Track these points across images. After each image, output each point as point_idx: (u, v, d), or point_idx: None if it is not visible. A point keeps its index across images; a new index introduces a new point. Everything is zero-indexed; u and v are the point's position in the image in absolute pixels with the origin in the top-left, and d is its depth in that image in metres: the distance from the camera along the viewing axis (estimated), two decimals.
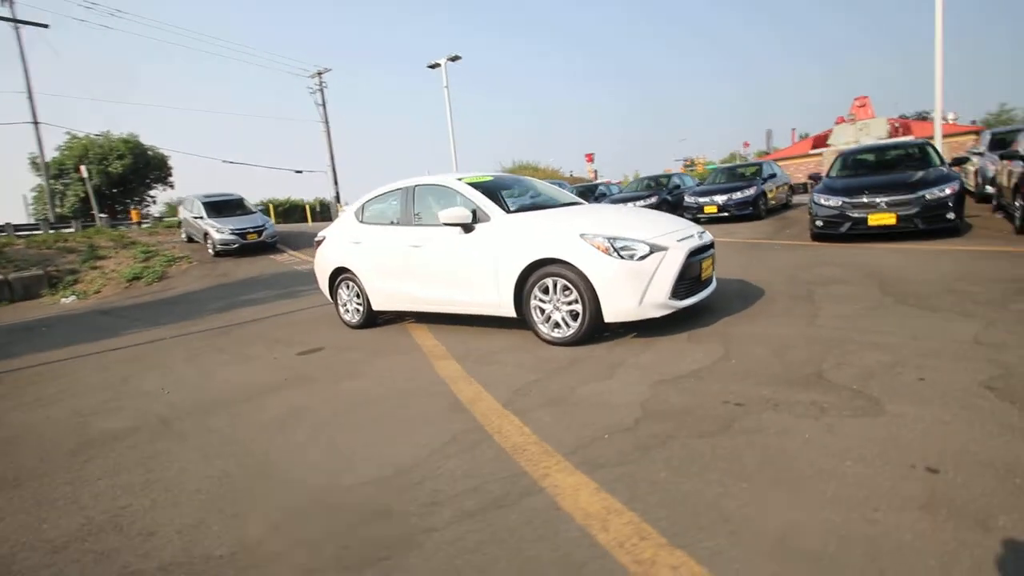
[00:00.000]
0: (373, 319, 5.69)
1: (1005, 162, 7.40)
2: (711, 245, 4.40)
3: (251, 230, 14.53)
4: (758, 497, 1.87)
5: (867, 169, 8.81)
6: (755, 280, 5.61)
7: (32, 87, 19.98)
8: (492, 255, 4.36)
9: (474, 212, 4.50)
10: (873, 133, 24.33)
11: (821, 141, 29.08)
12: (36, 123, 20.62)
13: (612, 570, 1.59)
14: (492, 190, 4.84)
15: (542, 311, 4.16)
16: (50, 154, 25.04)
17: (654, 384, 3.07)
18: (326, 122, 32.71)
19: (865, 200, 7.28)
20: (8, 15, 19.30)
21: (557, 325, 4.09)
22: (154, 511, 2.31)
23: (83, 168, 19.49)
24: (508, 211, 4.50)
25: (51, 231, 18.17)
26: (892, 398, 2.52)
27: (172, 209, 35.03)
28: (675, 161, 47.40)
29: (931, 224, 6.87)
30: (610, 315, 3.86)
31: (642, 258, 3.81)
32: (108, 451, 3.11)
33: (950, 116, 26.04)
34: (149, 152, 25.54)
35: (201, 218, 14.60)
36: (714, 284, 4.52)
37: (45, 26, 20.02)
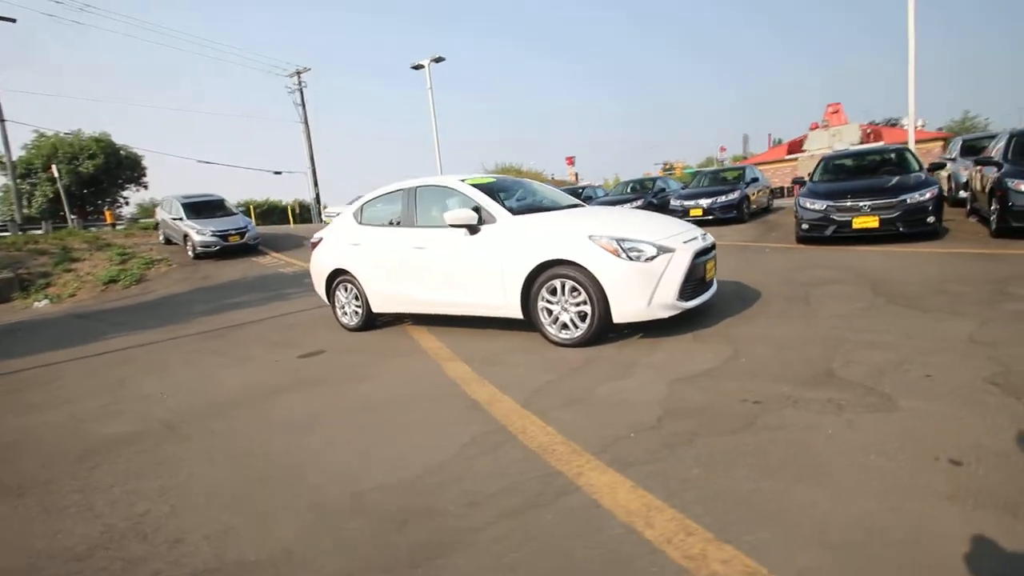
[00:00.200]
0: (372, 321, 5.64)
1: (979, 168, 7.71)
2: (713, 247, 4.48)
3: (233, 232, 14.23)
4: (791, 492, 1.92)
5: (848, 174, 9.08)
6: (750, 282, 5.73)
7: None
8: (498, 257, 4.36)
9: (479, 214, 4.50)
10: (846, 139, 25.10)
11: (797, 146, 29.89)
12: (2, 120, 19.86)
13: (663, 566, 1.61)
14: (495, 192, 4.85)
15: (549, 312, 4.19)
16: (16, 153, 24.14)
17: (670, 383, 3.12)
18: (305, 122, 32.24)
19: (848, 204, 7.51)
20: None
21: (565, 326, 4.12)
22: (176, 517, 2.26)
23: (54, 167, 18.79)
24: (514, 213, 4.51)
25: (19, 232, 17.50)
26: (903, 394, 2.61)
27: (145, 210, 34.07)
28: (654, 165, 48.09)
29: (912, 228, 7.12)
30: (619, 316, 3.90)
31: (650, 259, 3.87)
32: (115, 457, 3.02)
33: (919, 123, 27.03)
34: (122, 151, 24.76)
35: (180, 219, 14.24)
36: (715, 286, 4.61)
37: (12, 20, 19.31)
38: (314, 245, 6.15)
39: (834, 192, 7.83)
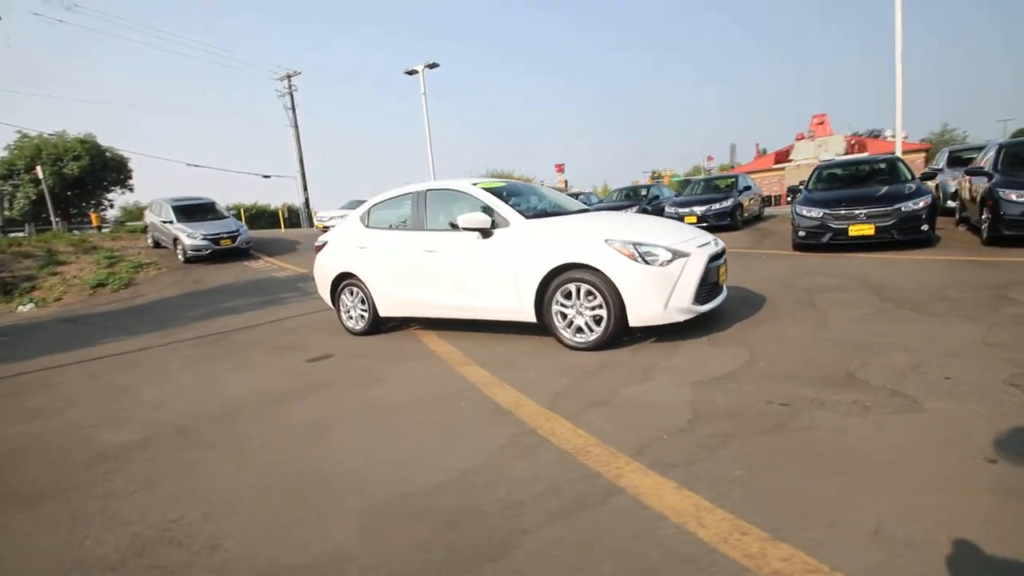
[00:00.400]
0: (378, 326, 5.60)
1: (969, 178, 7.93)
2: (724, 252, 4.54)
3: (224, 235, 14.04)
4: (838, 491, 1.94)
5: (841, 182, 9.28)
6: (754, 287, 5.81)
7: None
8: (512, 260, 4.37)
9: (492, 217, 4.51)
10: (831, 149, 25.67)
11: (783, 156, 30.47)
12: None
13: (724, 564, 1.62)
14: (506, 196, 4.85)
15: (564, 316, 4.19)
16: None
17: (693, 386, 3.14)
18: (295, 126, 32.03)
19: (844, 212, 7.67)
20: None
21: (580, 330, 4.13)
22: (210, 523, 2.21)
23: (39, 169, 18.35)
24: (526, 217, 4.52)
25: (1, 235, 17.06)
26: (927, 396, 2.66)
27: (130, 213, 33.44)
28: (643, 173, 48.58)
29: (907, 235, 7.29)
30: (636, 320, 3.92)
31: (666, 263, 3.90)
32: (130, 463, 2.94)
33: (904, 135, 27.74)
34: (107, 153, 24.29)
35: (171, 222, 14.01)
36: (725, 291, 4.66)
37: None
38: (318, 248, 6.09)
39: (830, 200, 7.98)
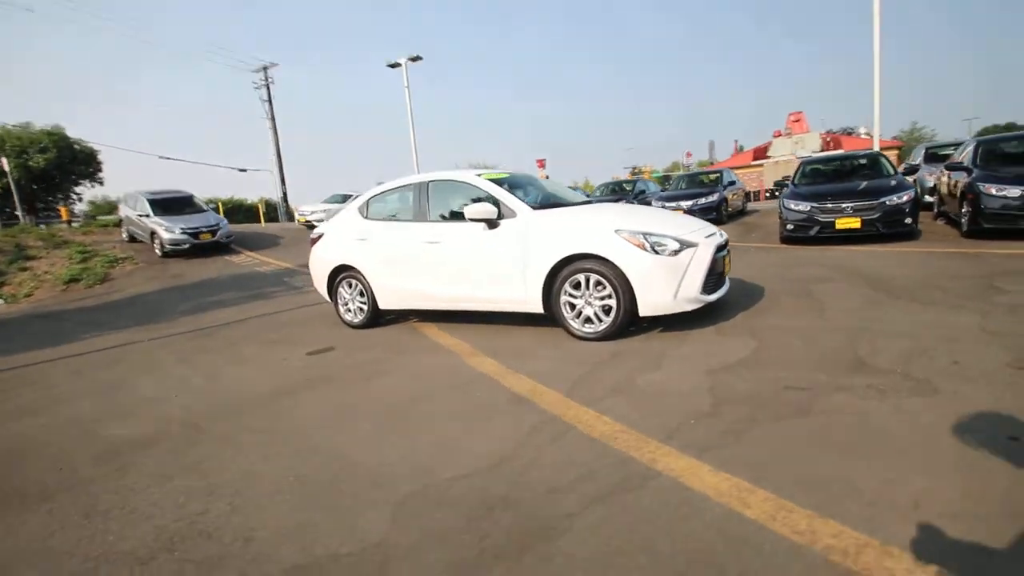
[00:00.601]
0: (377, 318, 5.53)
1: (948, 173, 8.19)
2: (727, 243, 4.60)
3: (204, 229, 13.67)
4: (872, 470, 1.98)
5: (826, 177, 9.48)
6: (749, 279, 5.91)
7: None
8: (520, 251, 4.35)
9: (498, 208, 4.48)
10: (808, 146, 26.27)
11: (761, 153, 31.08)
12: None
13: (776, 541, 1.64)
14: (510, 187, 4.83)
15: (572, 306, 4.20)
16: None
17: (708, 373, 3.17)
18: (272, 119, 31.37)
19: (831, 205, 7.86)
20: None
21: (588, 320, 4.14)
22: (238, 515, 2.15)
23: (3, 161, 17.54)
24: (534, 207, 4.51)
25: None
26: (939, 379, 2.74)
27: (98, 207, 32.28)
28: (623, 169, 48.96)
29: (891, 228, 7.50)
30: (646, 309, 3.95)
31: (675, 253, 3.93)
32: (140, 458, 2.85)
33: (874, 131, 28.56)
34: (76, 145, 23.34)
35: (147, 216, 13.58)
36: (728, 281, 4.73)
37: None
38: (314, 241, 5.97)
39: (817, 194, 8.17)
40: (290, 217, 29.71)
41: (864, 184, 8.10)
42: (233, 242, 14.84)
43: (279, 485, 2.37)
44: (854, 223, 7.64)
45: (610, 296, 4.01)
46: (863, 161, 9.42)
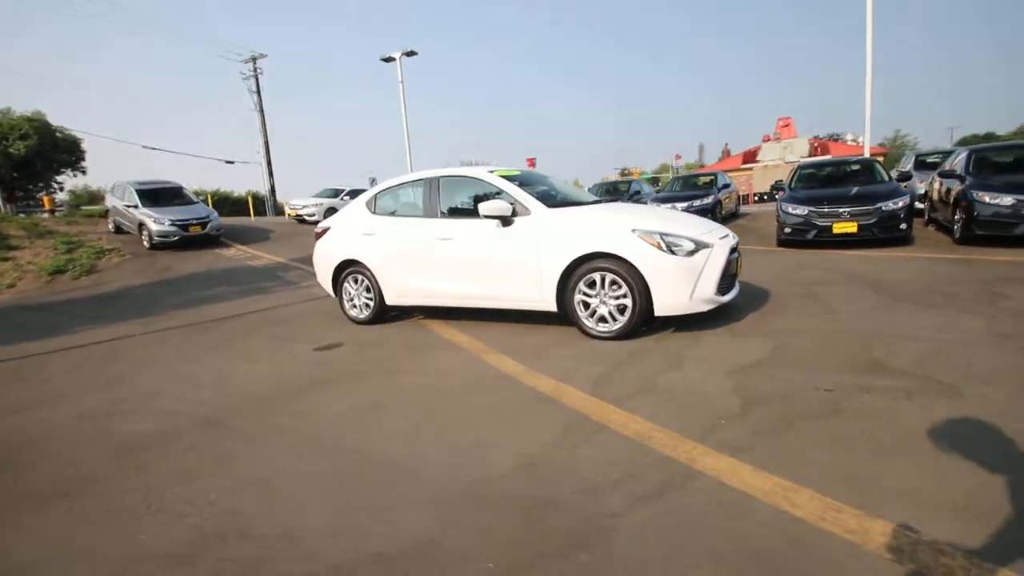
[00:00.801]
0: (382, 315, 5.47)
1: (940, 181, 8.38)
2: (738, 245, 4.64)
3: (194, 222, 13.42)
4: (913, 470, 2.01)
5: (820, 182, 9.63)
6: (752, 281, 5.97)
7: None
8: (534, 248, 4.34)
9: (512, 205, 4.46)
10: (796, 151, 26.69)
11: (751, 157, 31.48)
12: None
13: (830, 540, 1.66)
14: (522, 184, 4.81)
15: (586, 305, 4.20)
16: None
17: (729, 374, 3.20)
18: (261, 111, 30.86)
19: (828, 210, 7.98)
20: None
21: (603, 319, 4.15)
22: (275, 514, 2.10)
23: None
24: (548, 205, 4.50)
25: None
26: (960, 381, 2.80)
27: (79, 197, 31.46)
28: (613, 170, 49.19)
29: (887, 233, 7.65)
30: (662, 309, 3.97)
31: (690, 254, 3.96)
32: (159, 455, 2.78)
33: (860, 139, 29.17)
34: (57, 133, 22.67)
35: (135, 207, 13.27)
36: (738, 283, 4.77)
37: None
38: (319, 235, 5.89)
39: (814, 199, 8.29)
40: (277, 211, 29.30)
41: (861, 189, 8.24)
42: (223, 235, 14.59)
43: (314, 483, 2.33)
44: (851, 227, 7.77)
45: (625, 296, 4.02)
46: (858, 167, 9.59)
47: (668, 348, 3.83)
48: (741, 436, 2.39)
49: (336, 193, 18.58)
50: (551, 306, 4.36)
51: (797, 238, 8.28)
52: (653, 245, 3.95)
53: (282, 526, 2.01)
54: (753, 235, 10.89)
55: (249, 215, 24.41)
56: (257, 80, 30.40)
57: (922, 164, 11.14)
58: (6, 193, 21.09)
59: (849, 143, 30.81)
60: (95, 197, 28.44)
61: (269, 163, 30.92)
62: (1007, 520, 1.69)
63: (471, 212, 4.84)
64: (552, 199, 4.83)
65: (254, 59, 30.24)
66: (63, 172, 24.59)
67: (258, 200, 31.11)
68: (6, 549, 2.06)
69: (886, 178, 8.87)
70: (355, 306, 5.57)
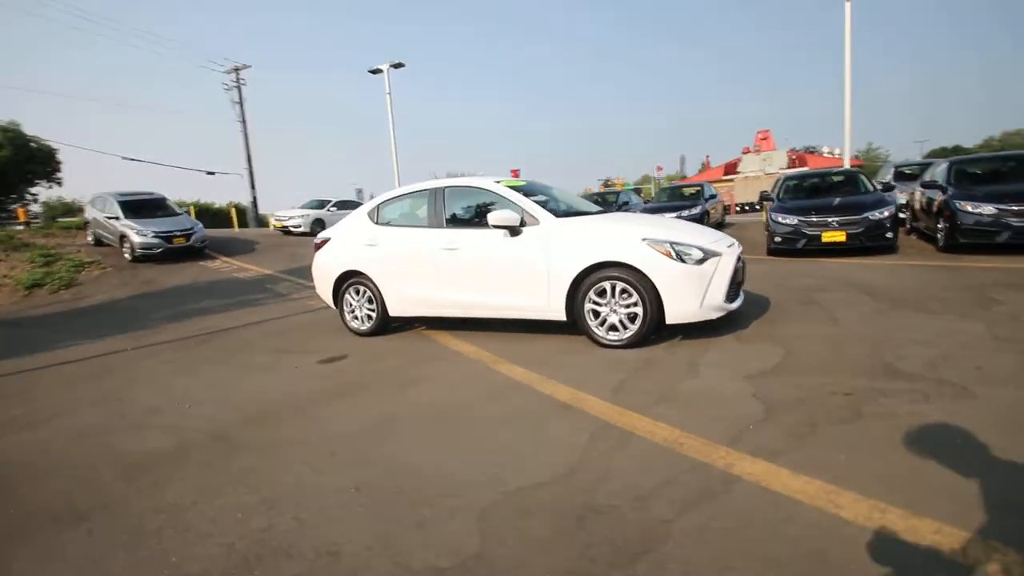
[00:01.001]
0: (385, 326, 5.41)
1: (923, 191, 8.66)
2: (742, 253, 4.72)
3: (178, 233, 13.13)
4: (948, 469, 2.05)
5: (806, 192, 9.87)
6: (751, 289, 6.06)
7: None
8: (543, 258, 4.35)
9: (520, 215, 4.47)
10: (775, 163, 27.38)
11: (731, 168, 32.19)
12: None
13: (881, 539, 1.67)
14: (526, 195, 4.83)
15: (596, 314, 4.21)
16: None
17: (746, 380, 3.23)
18: (243, 121, 30.54)
19: (817, 219, 8.18)
20: None
21: (613, 327, 4.16)
22: (311, 530, 2.04)
23: None
24: (556, 215, 4.52)
25: None
26: (972, 383, 2.87)
27: (53, 208, 30.54)
28: (597, 180, 49.73)
29: (874, 241, 7.86)
30: (673, 317, 4.00)
31: (699, 262, 4.01)
32: (174, 472, 2.68)
33: (836, 151, 30.10)
34: (32, 144, 22.04)
35: (117, 219, 12.94)
36: (743, 291, 4.84)
37: None
38: (318, 246, 5.82)
39: (803, 208, 8.49)
40: (260, 222, 28.88)
41: (848, 199, 8.47)
42: (208, 247, 14.31)
43: (342, 496, 2.27)
44: (840, 236, 7.97)
45: (636, 304, 4.05)
46: (842, 178, 9.86)
47: (680, 355, 3.85)
48: (772, 441, 2.41)
49: (323, 204, 18.41)
50: (560, 315, 4.36)
51: (787, 247, 8.45)
52: (664, 254, 3.99)
53: (322, 541, 1.95)
54: (742, 244, 11.08)
55: (232, 226, 24.04)
56: (240, 91, 30.13)
57: (901, 175, 11.50)
58: None
59: (825, 155, 31.81)
60: (71, 209, 27.63)
61: (251, 174, 30.54)
62: None
63: (477, 222, 4.84)
64: (558, 209, 4.85)
65: (237, 70, 29.99)
66: (38, 183, 23.89)
67: (241, 212, 30.67)
68: (32, 574, 1.96)
69: (870, 188, 9.14)
70: (357, 317, 5.50)
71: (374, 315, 5.38)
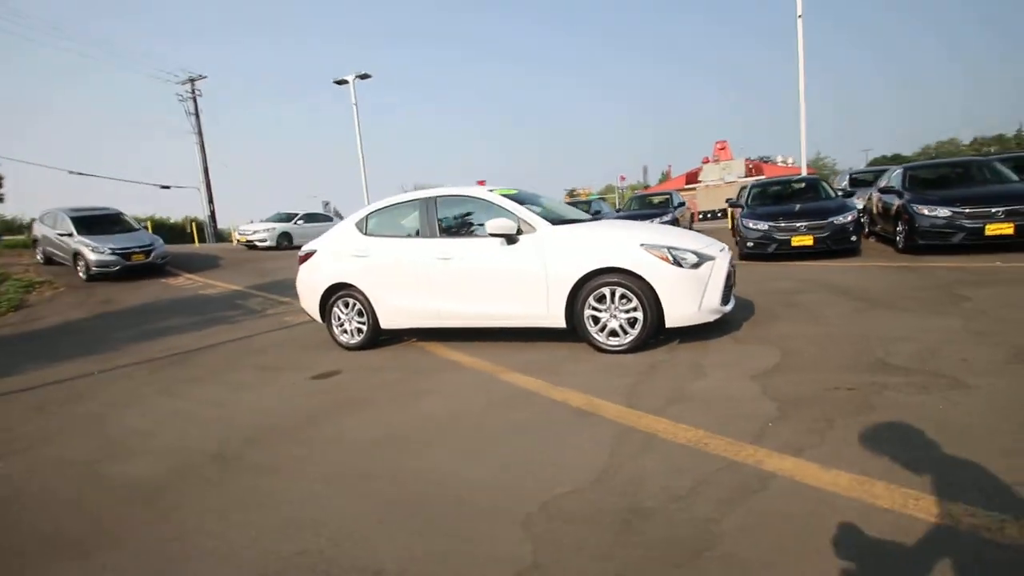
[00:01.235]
0: (375, 339, 5.30)
1: (880, 196, 9.17)
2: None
3: (137, 250, 12.54)
4: (966, 456, 2.15)
5: (773, 199, 10.29)
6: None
7: None
8: (540, 266, 4.37)
9: (516, 223, 4.48)
10: (734, 172, 28.49)
11: (693, 177, 33.27)
12: None
13: (923, 526, 1.74)
14: (522, 203, 4.85)
15: (596, 320, 4.25)
16: None
17: (753, 379, 3.32)
18: (199, 133, 29.57)
19: (785, 225, 8.54)
20: None
21: (613, 333, 4.21)
22: (342, 548, 1.97)
23: None
24: (552, 223, 4.55)
25: None
26: (963, 374, 3.03)
27: None
28: (562, 190, 50.41)
29: (840, 245, 8.26)
30: (672, 321, 4.08)
31: (695, 266, 4.11)
32: (179, 498, 2.54)
33: (790, 160, 31.59)
34: None
35: (70, 235, 12.27)
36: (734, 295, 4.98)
37: None
38: (303, 259, 5.67)
39: (772, 214, 8.85)
40: (219, 237, 27.91)
41: (813, 205, 8.89)
42: (169, 263, 13.72)
43: (375, 514, 2.20)
44: (808, 240, 8.33)
45: (636, 309, 4.11)
46: (804, 185, 10.34)
47: (682, 358, 3.93)
48: (794, 436, 2.48)
49: (290, 217, 17.96)
50: (559, 322, 4.38)
51: (759, 251, 8.76)
52: (662, 259, 4.07)
53: (366, 560, 1.88)
54: None
55: (193, 241, 23.15)
56: (196, 102, 29.20)
57: (856, 182, 12.15)
58: None
59: (780, 164, 33.44)
60: (13, 226, 26.02)
61: (208, 187, 29.54)
62: None
63: (471, 231, 4.83)
64: (552, 217, 4.89)
65: (192, 80, 29.07)
66: None
67: (200, 226, 29.59)
68: None
69: (832, 194, 9.61)
70: (346, 331, 5.37)
71: (365, 328, 5.26)
